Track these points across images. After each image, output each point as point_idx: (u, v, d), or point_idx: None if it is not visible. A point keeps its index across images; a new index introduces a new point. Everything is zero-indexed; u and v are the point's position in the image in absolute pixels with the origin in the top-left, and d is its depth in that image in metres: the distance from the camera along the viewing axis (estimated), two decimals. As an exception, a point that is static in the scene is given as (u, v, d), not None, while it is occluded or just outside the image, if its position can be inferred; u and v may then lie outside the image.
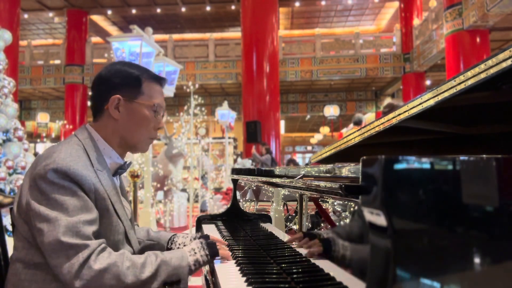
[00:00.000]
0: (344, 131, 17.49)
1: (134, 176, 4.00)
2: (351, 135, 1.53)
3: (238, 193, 2.09)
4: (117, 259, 0.98)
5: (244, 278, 1.00)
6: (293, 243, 1.29)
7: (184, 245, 1.34)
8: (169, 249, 1.35)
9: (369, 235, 0.66)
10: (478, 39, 8.52)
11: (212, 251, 1.14)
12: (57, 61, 15.02)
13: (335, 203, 1.11)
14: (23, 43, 14.85)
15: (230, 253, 1.22)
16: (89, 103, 1.24)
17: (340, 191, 0.77)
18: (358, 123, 6.07)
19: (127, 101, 1.14)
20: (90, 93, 1.22)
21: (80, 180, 1.01)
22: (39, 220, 0.97)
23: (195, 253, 1.10)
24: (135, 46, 4.14)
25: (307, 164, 2.47)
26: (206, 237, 1.38)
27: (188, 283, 1.08)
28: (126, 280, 0.97)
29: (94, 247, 0.97)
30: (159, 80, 1.22)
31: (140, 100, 1.16)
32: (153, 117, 1.18)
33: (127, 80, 1.16)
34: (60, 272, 0.95)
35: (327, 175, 1.22)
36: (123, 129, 1.16)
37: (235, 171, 2.24)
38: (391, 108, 2.59)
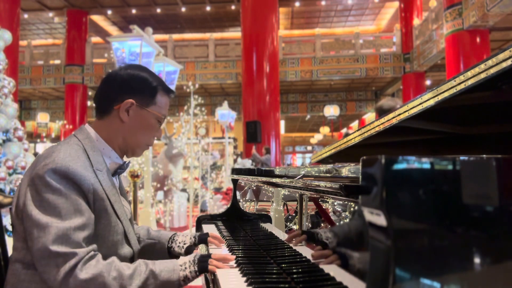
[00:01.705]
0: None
1: (134, 176, 4.00)
2: (351, 135, 1.53)
3: (238, 193, 2.09)
4: (103, 268, 0.97)
5: (244, 278, 0.99)
6: (292, 241, 1.29)
7: (185, 244, 1.37)
8: (169, 248, 1.38)
9: (369, 235, 0.66)
10: (478, 39, 8.52)
11: (201, 266, 1.08)
12: (57, 61, 15.02)
13: (335, 203, 1.10)
14: (23, 43, 14.85)
15: (221, 265, 1.10)
16: (94, 99, 1.21)
17: (340, 191, 0.77)
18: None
19: (138, 107, 1.17)
20: (97, 89, 1.21)
21: (79, 180, 1.01)
22: (31, 224, 0.98)
23: (185, 268, 1.07)
24: (135, 46, 4.14)
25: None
26: (205, 235, 1.39)
27: None
28: None
29: (82, 255, 0.96)
30: (170, 93, 1.25)
31: (151, 109, 1.18)
32: (157, 126, 1.22)
33: (144, 88, 1.17)
34: (48, 278, 0.96)
35: (327, 175, 1.22)
36: (127, 132, 1.17)
37: (235, 171, 2.24)
38: (382, 110, 2.58)
